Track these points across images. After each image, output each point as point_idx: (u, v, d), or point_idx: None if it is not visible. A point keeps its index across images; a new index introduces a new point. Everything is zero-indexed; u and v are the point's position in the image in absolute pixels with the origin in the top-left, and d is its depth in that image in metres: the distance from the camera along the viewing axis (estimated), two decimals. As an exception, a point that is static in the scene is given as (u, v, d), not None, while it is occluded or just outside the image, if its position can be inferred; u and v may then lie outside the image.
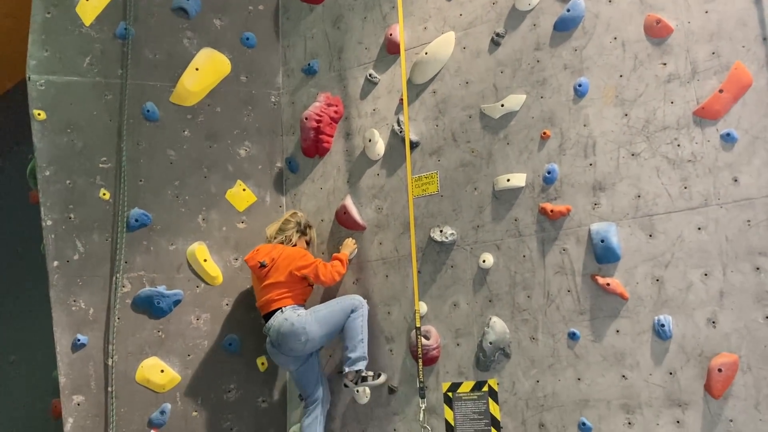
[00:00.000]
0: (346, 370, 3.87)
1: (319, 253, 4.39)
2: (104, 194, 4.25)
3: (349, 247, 4.22)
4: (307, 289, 4.12)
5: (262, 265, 4.03)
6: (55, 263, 4.07)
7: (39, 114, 4.16)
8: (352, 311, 3.97)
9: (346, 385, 3.90)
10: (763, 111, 3.28)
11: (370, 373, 3.90)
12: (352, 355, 3.88)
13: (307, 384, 4.10)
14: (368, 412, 4.13)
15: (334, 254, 4.18)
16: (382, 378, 3.94)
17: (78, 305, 4.07)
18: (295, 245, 4.18)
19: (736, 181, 3.29)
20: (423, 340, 3.88)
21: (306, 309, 4.04)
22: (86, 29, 4.35)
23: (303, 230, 4.24)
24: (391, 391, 4.01)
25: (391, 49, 4.38)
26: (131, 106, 4.37)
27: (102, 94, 4.34)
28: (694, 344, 3.28)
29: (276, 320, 3.94)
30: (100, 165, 4.27)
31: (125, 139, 4.31)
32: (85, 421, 3.97)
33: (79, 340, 4.02)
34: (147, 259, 4.26)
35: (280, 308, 3.96)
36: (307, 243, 4.29)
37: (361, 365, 3.88)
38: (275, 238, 4.17)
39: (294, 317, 3.91)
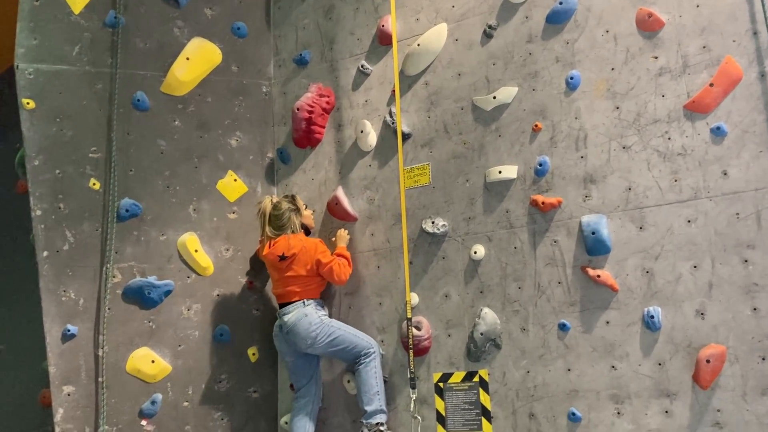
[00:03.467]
0: (364, 422, 3.84)
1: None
2: (94, 184, 4.22)
3: (343, 239, 4.22)
4: (325, 281, 4.13)
5: (282, 258, 4.02)
6: (45, 253, 4.05)
7: (28, 103, 4.12)
8: (364, 355, 3.93)
9: None
10: (753, 105, 3.31)
11: (389, 431, 3.86)
12: (369, 408, 3.83)
13: (300, 375, 4.11)
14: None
15: (337, 251, 4.14)
16: None
17: (68, 295, 4.05)
18: (301, 224, 4.15)
19: (725, 174, 3.33)
20: (414, 330, 3.90)
21: (325, 309, 4.08)
22: (75, 17, 4.30)
23: (296, 209, 4.17)
24: (383, 381, 4.02)
25: (383, 40, 4.37)
26: (121, 96, 4.33)
27: (91, 83, 4.30)
28: (682, 335, 3.32)
29: (296, 313, 3.95)
30: (90, 155, 4.24)
31: (115, 128, 4.27)
32: (76, 411, 3.96)
33: (69, 330, 4.00)
34: (137, 250, 4.24)
35: (302, 300, 3.98)
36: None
37: (379, 418, 3.83)
38: (279, 234, 4.09)
39: (314, 318, 3.93)
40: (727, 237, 3.28)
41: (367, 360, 3.92)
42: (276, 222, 4.11)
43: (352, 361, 3.98)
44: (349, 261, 4.10)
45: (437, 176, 4.09)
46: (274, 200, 4.19)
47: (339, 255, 4.10)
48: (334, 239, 4.26)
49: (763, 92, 3.29)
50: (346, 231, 4.27)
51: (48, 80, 4.20)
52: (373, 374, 3.89)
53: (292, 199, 4.21)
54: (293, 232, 4.10)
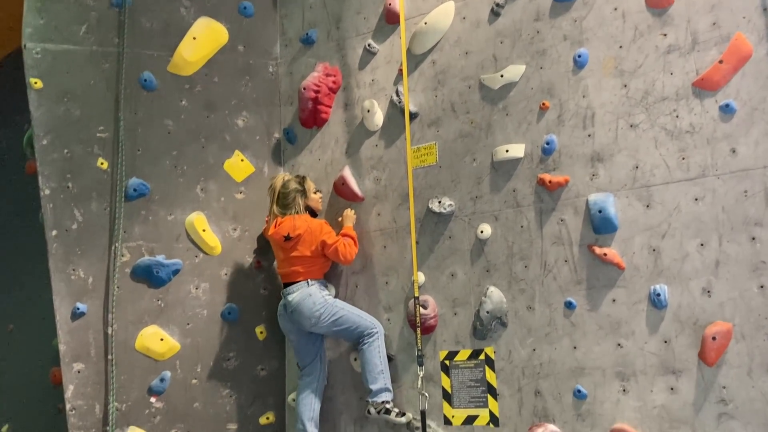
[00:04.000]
0: (370, 401, 3.87)
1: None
2: (102, 164, 4.24)
3: (350, 218, 4.23)
4: (329, 262, 4.16)
5: (287, 238, 4.04)
6: (54, 232, 4.08)
7: (36, 83, 4.13)
8: (367, 335, 3.95)
9: (369, 412, 3.88)
10: (762, 82, 3.28)
11: (395, 409, 3.88)
12: (374, 387, 3.86)
13: (305, 354, 4.15)
14: (366, 380, 4.17)
15: (343, 231, 4.15)
16: (404, 419, 3.86)
17: (77, 274, 4.09)
18: (306, 206, 4.17)
19: (734, 152, 3.31)
20: (421, 309, 3.92)
21: (328, 289, 4.12)
22: (82, -3, 4.31)
23: (303, 189, 4.18)
24: (389, 359, 4.05)
25: (390, 18, 4.35)
26: (128, 76, 4.34)
27: (99, 63, 4.31)
28: (689, 313, 3.32)
29: (300, 292, 3.99)
30: (98, 134, 4.26)
31: (122, 108, 4.29)
32: (86, 388, 4.01)
33: (78, 308, 4.04)
34: (145, 229, 4.26)
35: (306, 280, 4.01)
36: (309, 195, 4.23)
37: (385, 396, 3.86)
38: (285, 213, 4.11)
39: (318, 298, 3.97)
40: (734, 215, 3.27)
41: (371, 340, 3.94)
42: (282, 200, 4.13)
43: (356, 340, 4.01)
44: (355, 240, 4.12)
45: (444, 156, 4.09)
46: (286, 178, 4.21)
47: (345, 235, 4.11)
48: (340, 219, 4.27)
49: (772, 69, 3.27)
50: (353, 211, 4.28)
51: (55, 60, 4.21)
52: (376, 353, 3.92)
53: (302, 180, 4.22)
54: (297, 212, 4.11)
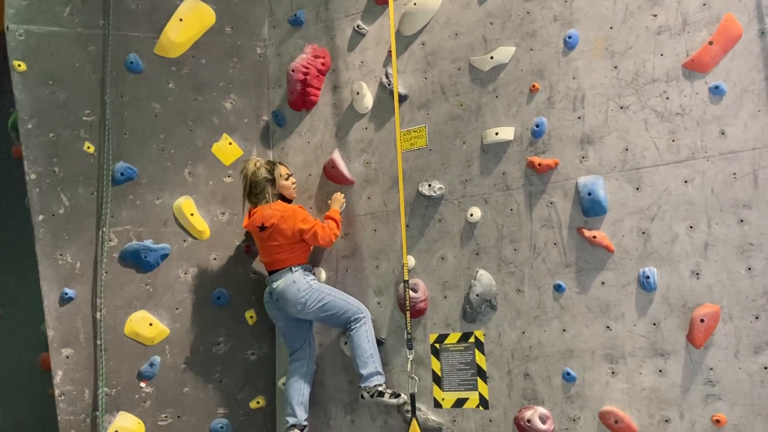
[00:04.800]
0: (362, 386, 3.85)
1: (307, 207, 4.37)
2: (88, 147, 4.19)
3: (338, 201, 4.20)
4: (310, 246, 4.13)
5: (261, 228, 4.01)
6: (41, 217, 4.04)
7: (19, 65, 4.07)
8: (354, 320, 3.94)
9: (362, 396, 3.87)
10: (752, 63, 3.27)
11: (389, 390, 3.86)
12: (364, 372, 3.85)
13: (292, 340, 4.13)
14: (356, 363, 4.18)
15: (327, 213, 4.14)
16: (399, 400, 3.84)
17: (65, 259, 4.06)
18: (276, 194, 4.10)
19: (723, 134, 3.30)
20: (411, 292, 3.92)
21: (314, 275, 4.09)
22: (66, -23, 4.24)
23: (272, 179, 4.09)
24: (380, 342, 4.05)
25: (379, -1, 4.31)
26: (114, 58, 4.28)
27: (84, 45, 4.24)
28: (677, 296, 3.33)
29: (285, 280, 3.96)
30: (84, 117, 4.21)
31: (108, 91, 4.23)
32: (75, 373, 3.99)
33: (66, 293, 4.01)
34: (133, 213, 4.23)
35: (290, 267, 3.98)
36: (279, 179, 4.13)
37: (377, 380, 3.85)
38: (256, 203, 4.06)
39: (303, 284, 3.94)
40: (723, 197, 3.27)
41: (358, 325, 3.93)
42: (253, 190, 4.06)
43: (343, 326, 4.00)
44: (338, 223, 4.08)
45: (434, 138, 4.06)
46: (257, 165, 4.08)
47: (328, 217, 4.09)
48: (330, 202, 4.25)
49: (762, 50, 3.25)
50: (342, 194, 4.26)
51: (39, 42, 4.14)
52: (365, 338, 3.91)
53: (272, 168, 4.11)
54: (267, 202, 4.06)
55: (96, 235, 4.13)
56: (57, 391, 3.95)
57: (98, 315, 4.06)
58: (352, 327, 3.94)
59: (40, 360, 4.53)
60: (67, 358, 3.99)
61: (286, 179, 4.19)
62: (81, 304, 4.06)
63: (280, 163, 4.23)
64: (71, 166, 4.13)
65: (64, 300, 4.02)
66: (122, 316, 4.12)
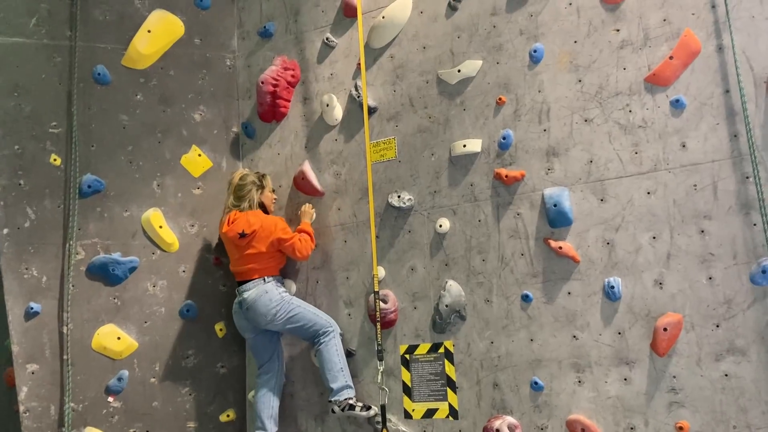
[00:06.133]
0: (332, 400, 3.85)
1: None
2: (55, 160, 4.15)
3: (307, 214, 4.21)
4: (285, 257, 4.13)
5: (242, 235, 4.00)
6: (5, 231, 3.98)
7: (-17, 76, 4.02)
8: (323, 334, 3.94)
9: (333, 410, 3.86)
10: (711, 77, 3.36)
11: (359, 404, 3.86)
12: (335, 386, 3.85)
13: (261, 353, 4.12)
14: (327, 375, 4.17)
15: (300, 227, 4.14)
16: (370, 413, 3.85)
17: (30, 273, 4.00)
18: (260, 203, 4.15)
19: (684, 146, 3.38)
20: (381, 303, 3.93)
21: (285, 286, 4.10)
22: (32, -13, 4.19)
23: (260, 184, 4.17)
24: (350, 354, 4.05)
25: (348, 12, 4.33)
26: (81, 69, 4.25)
27: (50, 56, 4.21)
28: (641, 305, 3.39)
29: (257, 289, 3.95)
30: (50, 129, 4.16)
31: (75, 103, 4.19)
32: (40, 389, 3.93)
33: (32, 308, 3.96)
34: (101, 226, 4.19)
35: (262, 277, 3.98)
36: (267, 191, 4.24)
37: (347, 393, 3.85)
38: (238, 206, 4.10)
39: (275, 295, 3.94)
40: (685, 208, 3.34)
41: (326, 339, 3.93)
42: (238, 192, 4.11)
43: (311, 339, 4.00)
44: (312, 236, 4.10)
45: (403, 150, 4.09)
46: (246, 172, 4.23)
47: (301, 231, 4.09)
48: (300, 213, 4.25)
49: (720, 65, 3.34)
50: (311, 206, 4.26)
51: (4, 53, 4.10)
52: (334, 351, 3.91)
53: (261, 176, 4.21)
54: (250, 207, 4.08)
55: (63, 249, 4.08)
56: (22, 408, 3.89)
57: (65, 329, 4.01)
58: (321, 341, 3.93)
59: (5, 376, 4.45)
60: (33, 373, 3.93)
61: (272, 191, 4.29)
62: (47, 318, 4.00)
63: (267, 175, 4.30)
64: (37, 179, 4.08)
65: (30, 314, 3.96)
66: (90, 330, 4.08)
